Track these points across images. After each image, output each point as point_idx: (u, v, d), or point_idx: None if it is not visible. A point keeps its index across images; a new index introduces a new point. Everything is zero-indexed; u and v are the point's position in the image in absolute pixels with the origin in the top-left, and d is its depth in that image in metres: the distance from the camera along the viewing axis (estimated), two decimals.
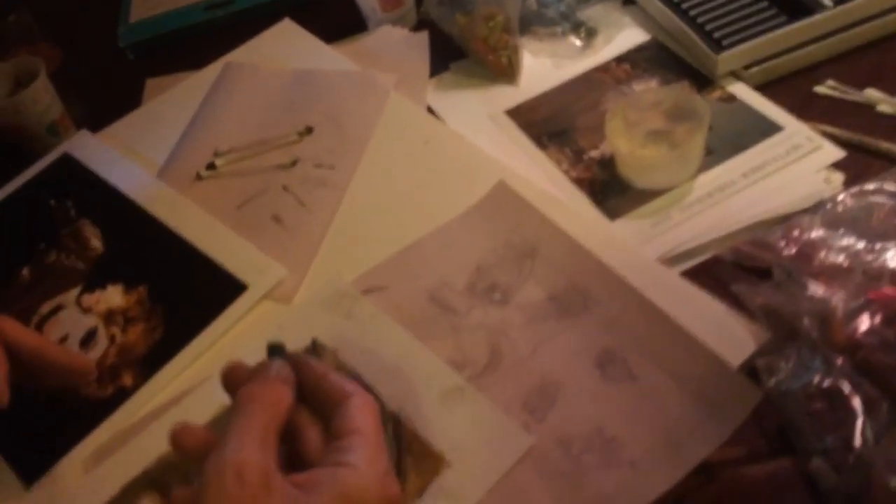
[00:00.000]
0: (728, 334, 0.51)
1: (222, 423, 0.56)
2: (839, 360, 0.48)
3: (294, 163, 0.73)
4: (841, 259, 0.53)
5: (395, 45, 0.83)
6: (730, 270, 0.56)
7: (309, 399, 0.42)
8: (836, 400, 0.47)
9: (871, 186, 0.57)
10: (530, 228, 0.61)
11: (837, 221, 0.56)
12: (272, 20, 0.90)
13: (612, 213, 0.62)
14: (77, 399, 0.61)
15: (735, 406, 0.48)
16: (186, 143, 0.78)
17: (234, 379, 0.42)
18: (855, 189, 0.57)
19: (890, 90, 0.64)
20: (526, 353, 0.55)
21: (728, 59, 0.67)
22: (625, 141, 0.63)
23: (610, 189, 0.64)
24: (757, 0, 0.71)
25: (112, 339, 0.64)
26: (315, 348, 0.59)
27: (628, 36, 0.77)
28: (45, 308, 0.68)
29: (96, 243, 0.72)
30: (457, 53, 0.79)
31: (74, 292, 0.69)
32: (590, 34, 0.77)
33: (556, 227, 0.60)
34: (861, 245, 0.53)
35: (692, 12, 0.72)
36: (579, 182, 0.65)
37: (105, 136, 0.82)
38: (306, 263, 0.65)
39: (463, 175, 0.68)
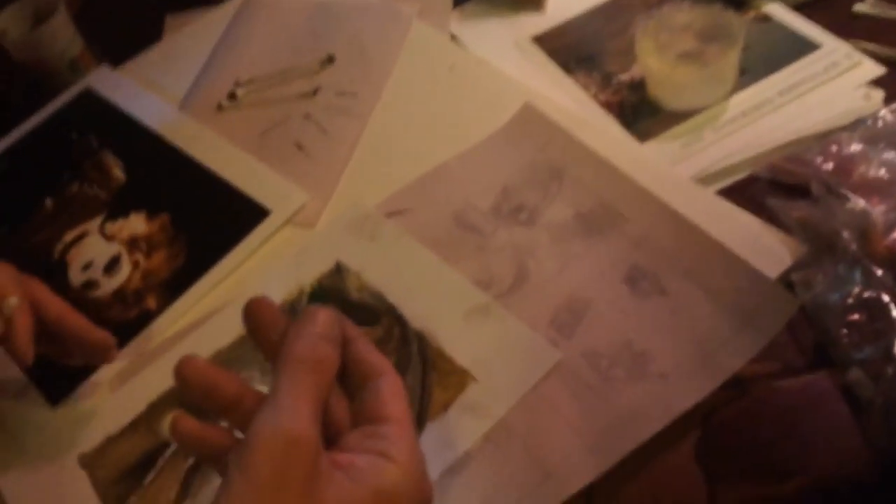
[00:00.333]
0: (763, 248, 0.50)
1: (244, 347, 0.56)
2: (879, 272, 0.46)
3: (316, 91, 0.72)
4: (882, 173, 0.51)
5: None
6: (766, 188, 0.54)
7: None
8: (876, 311, 0.45)
9: None
10: (557, 149, 0.59)
11: (877, 137, 0.54)
12: None
13: (642, 136, 0.60)
14: (102, 322, 0.61)
15: (771, 316, 0.46)
16: (207, 75, 0.77)
17: (259, 318, 0.37)
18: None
19: None
20: (553, 271, 0.54)
21: None
22: (656, 60, 0.61)
23: (640, 112, 0.62)
24: None
25: (135, 264, 0.64)
26: (339, 270, 0.58)
27: None
28: (69, 236, 0.68)
29: (118, 173, 0.71)
30: None
31: (98, 221, 0.68)
32: None
33: (584, 146, 0.58)
34: None
35: None
36: (608, 105, 0.63)
37: (126, 72, 0.81)
38: (329, 189, 0.64)
39: (488, 101, 0.66)
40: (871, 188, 0.50)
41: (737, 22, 0.59)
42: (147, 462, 0.53)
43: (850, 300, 0.46)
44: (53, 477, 0.54)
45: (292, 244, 0.62)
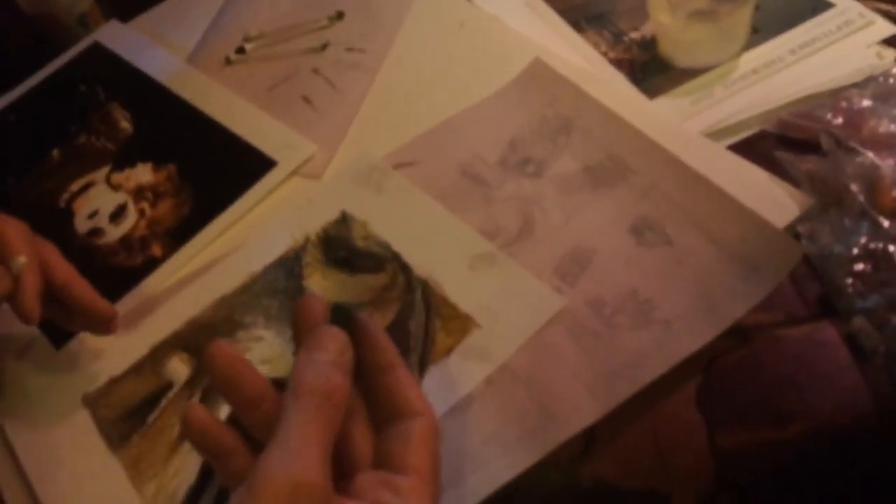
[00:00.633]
0: (771, 200, 0.50)
1: (249, 293, 0.57)
2: (886, 223, 0.46)
3: (324, 46, 0.71)
4: (892, 128, 0.51)
5: None
6: (775, 143, 0.54)
7: (361, 376, 0.35)
8: (882, 261, 0.45)
9: None
10: (566, 103, 0.59)
11: (888, 94, 0.53)
12: None
13: (652, 93, 0.60)
14: (107, 268, 0.61)
15: (775, 264, 0.46)
16: (216, 29, 0.77)
17: (311, 319, 0.35)
18: None
19: None
20: (559, 221, 0.54)
21: None
22: (668, 16, 0.60)
23: (650, 69, 0.62)
24: None
25: (141, 213, 0.64)
26: (344, 220, 0.58)
27: None
28: (75, 186, 0.68)
29: (125, 125, 0.71)
30: None
31: (104, 171, 0.68)
32: None
33: (593, 100, 0.58)
34: None
35: None
36: (618, 63, 0.63)
37: (134, 26, 0.81)
38: (336, 141, 0.64)
39: (498, 58, 0.66)
40: (880, 143, 0.50)
41: None
42: (151, 402, 0.53)
43: (856, 250, 0.46)
44: (56, 417, 0.54)
45: (299, 194, 0.62)
